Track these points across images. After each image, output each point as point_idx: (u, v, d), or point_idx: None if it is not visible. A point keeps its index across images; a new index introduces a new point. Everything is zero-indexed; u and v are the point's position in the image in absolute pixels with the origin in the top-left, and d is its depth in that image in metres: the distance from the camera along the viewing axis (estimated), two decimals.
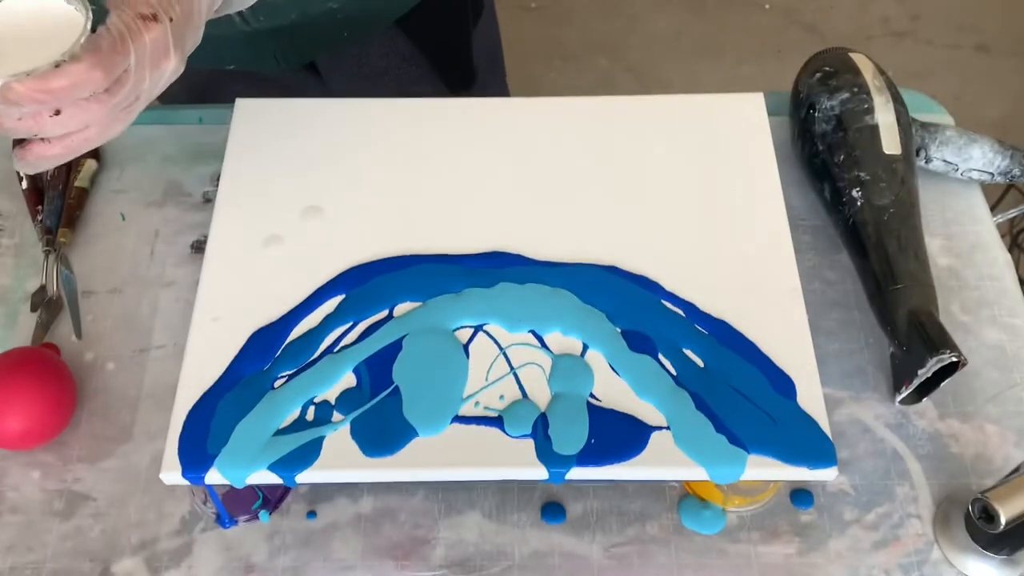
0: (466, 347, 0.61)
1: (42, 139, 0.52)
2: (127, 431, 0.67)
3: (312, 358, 0.61)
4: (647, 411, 0.58)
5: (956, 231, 0.76)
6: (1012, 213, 0.92)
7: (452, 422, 0.58)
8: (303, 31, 0.80)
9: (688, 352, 0.61)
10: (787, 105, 0.80)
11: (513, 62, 1.06)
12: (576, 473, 0.57)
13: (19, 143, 0.52)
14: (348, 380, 0.60)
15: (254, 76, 0.89)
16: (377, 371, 0.60)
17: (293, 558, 0.62)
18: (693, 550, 0.62)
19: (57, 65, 0.48)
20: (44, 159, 0.52)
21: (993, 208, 0.81)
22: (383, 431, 0.58)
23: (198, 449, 0.57)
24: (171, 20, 0.51)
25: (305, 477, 0.57)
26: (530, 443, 0.57)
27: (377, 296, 0.63)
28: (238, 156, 0.70)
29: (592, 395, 0.59)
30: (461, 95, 0.93)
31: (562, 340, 0.61)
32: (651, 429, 0.58)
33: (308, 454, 0.57)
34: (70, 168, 0.79)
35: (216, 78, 0.88)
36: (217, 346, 0.61)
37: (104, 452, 0.66)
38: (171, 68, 0.53)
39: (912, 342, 0.64)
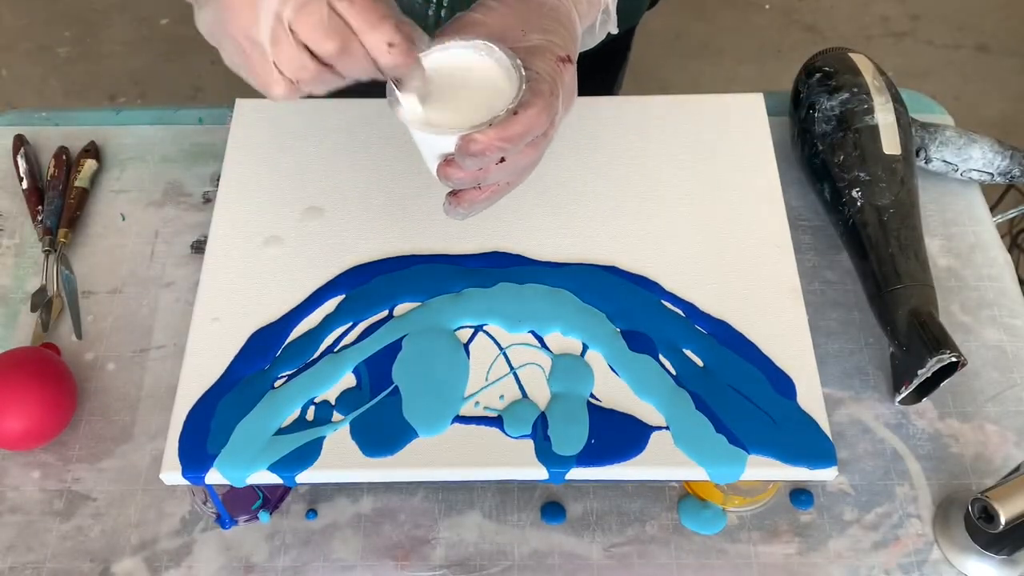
0: (466, 347, 0.61)
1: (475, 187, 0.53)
2: (127, 431, 0.67)
3: (312, 358, 0.61)
4: (647, 411, 0.58)
5: (956, 231, 0.76)
6: (1012, 213, 0.92)
7: (452, 422, 0.58)
8: None
9: (688, 352, 0.61)
10: (787, 105, 0.80)
11: None
12: (576, 473, 0.57)
13: (451, 193, 0.54)
14: (348, 380, 0.60)
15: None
16: (377, 371, 0.60)
17: (293, 558, 0.62)
18: (693, 550, 0.62)
19: (515, 113, 0.49)
20: (474, 205, 0.54)
21: (993, 208, 0.81)
22: (383, 431, 0.58)
23: (198, 449, 0.57)
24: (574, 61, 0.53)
25: (305, 477, 0.57)
26: (530, 443, 0.57)
27: (377, 296, 0.63)
28: (238, 156, 0.70)
29: (592, 395, 0.59)
30: None
31: (562, 340, 0.61)
32: (651, 429, 0.58)
33: (308, 454, 0.57)
34: (70, 168, 0.79)
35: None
36: (217, 346, 0.61)
37: (104, 452, 0.66)
38: (573, 106, 0.55)
39: (912, 342, 0.64)
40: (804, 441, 0.57)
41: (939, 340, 0.63)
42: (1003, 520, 0.56)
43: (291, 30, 0.46)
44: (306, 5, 0.45)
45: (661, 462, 0.57)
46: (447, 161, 0.51)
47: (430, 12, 0.75)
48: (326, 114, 0.72)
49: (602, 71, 0.94)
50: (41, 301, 0.72)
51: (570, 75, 0.53)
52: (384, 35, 0.46)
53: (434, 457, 0.57)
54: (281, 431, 0.58)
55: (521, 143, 0.50)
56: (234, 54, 0.49)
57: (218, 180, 0.69)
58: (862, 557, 0.62)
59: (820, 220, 0.76)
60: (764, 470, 0.57)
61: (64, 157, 0.80)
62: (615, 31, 0.66)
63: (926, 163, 0.77)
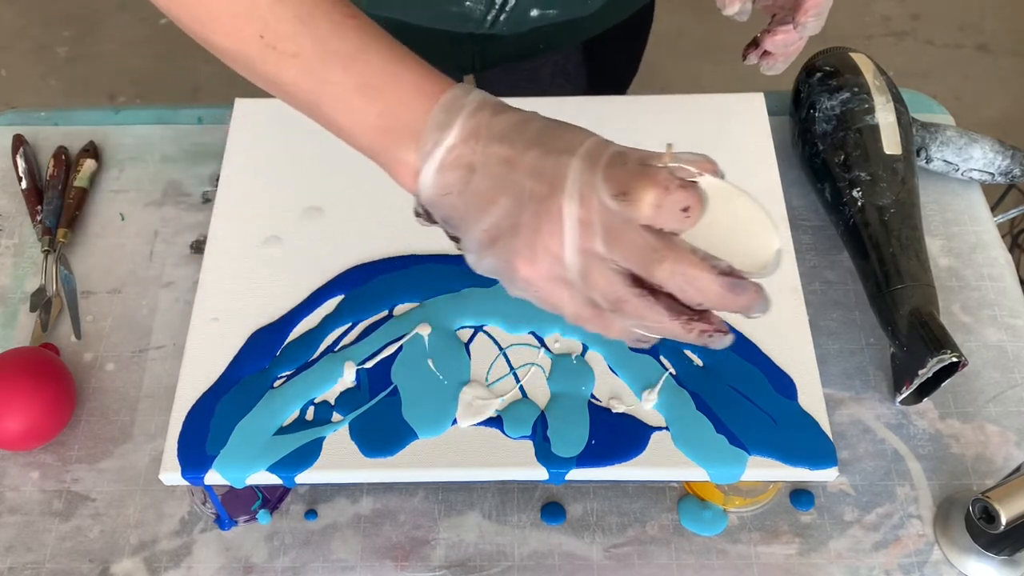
0: (466, 347, 0.61)
1: None
2: (127, 431, 0.67)
3: (312, 358, 0.60)
4: (647, 411, 0.58)
5: (956, 231, 0.76)
6: (1012, 213, 0.92)
7: (452, 423, 0.58)
8: (518, 39, 0.80)
9: (688, 352, 0.61)
10: (787, 105, 0.80)
11: None
12: (576, 474, 0.57)
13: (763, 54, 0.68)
14: (348, 380, 0.60)
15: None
16: (376, 371, 0.60)
17: (293, 558, 0.62)
18: (693, 550, 0.62)
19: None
20: (789, 58, 0.68)
21: (993, 208, 0.81)
22: (383, 432, 0.57)
23: (198, 449, 0.57)
24: None
25: (305, 477, 0.57)
26: (530, 444, 0.57)
27: (377, 296, 0.63)
28: (238, 156, 0.70)
29: (592, 395, 0.59)
30: None
31: (562, 340, 0.61)
32: (651, 429, 0.58)
33: (308, 454, 0.57)
34: (69, 168, 0.79)
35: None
36: (217, 346, 0.61)
37: (104, 452, 0.66)
38: None
39: (913, 342, 0.64)
40: (804, 441, 0.57)
41: (940, 340, 0.63)
42: (1004, 521, 0.56)
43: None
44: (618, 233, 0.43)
45: (661, 462, 0.57)
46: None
47: (489, 17, 0.75)
48: None
49: (631, 39, 0.95)
50: (40, 301, 0.72)
51: None
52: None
53: (434, 457, 0.57)
54: (281, 431, 0.58)
55: None
56: (531, 294, 0.48)
57: (218, 180, 0.69)
58: (862, 558, 0.62)
59: (820, 220, 0.76)
60: (765, 470, 0.57)
61: (63, 157, 0.79)
62: None
63: (927, 163, 0.77)
